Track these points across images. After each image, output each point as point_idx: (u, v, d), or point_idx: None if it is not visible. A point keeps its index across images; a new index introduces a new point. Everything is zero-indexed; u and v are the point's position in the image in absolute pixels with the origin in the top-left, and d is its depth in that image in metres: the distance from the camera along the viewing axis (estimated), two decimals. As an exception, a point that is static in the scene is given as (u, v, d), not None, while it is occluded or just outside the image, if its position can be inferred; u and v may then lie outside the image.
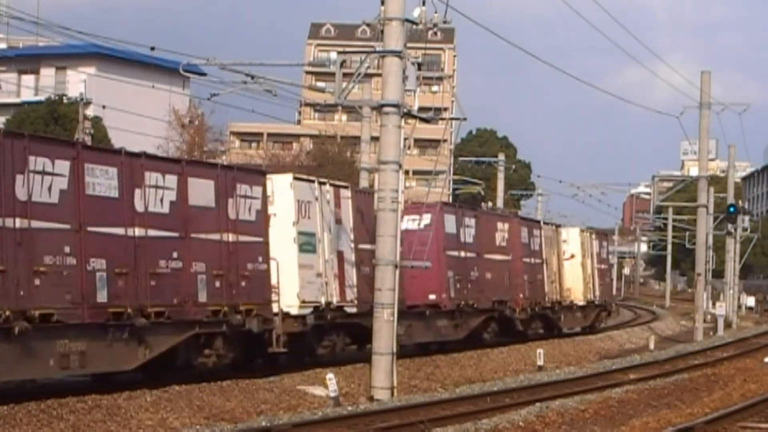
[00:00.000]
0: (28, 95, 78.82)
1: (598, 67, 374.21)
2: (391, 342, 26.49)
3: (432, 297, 36.18)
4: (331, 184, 31.56)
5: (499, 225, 42.40)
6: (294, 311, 28.64)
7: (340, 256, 31.11)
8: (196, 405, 23.14)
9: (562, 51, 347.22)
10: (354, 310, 31.32)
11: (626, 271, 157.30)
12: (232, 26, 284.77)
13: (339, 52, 28.84)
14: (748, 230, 78.96)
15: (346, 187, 32.55)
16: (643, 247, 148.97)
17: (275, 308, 27.86)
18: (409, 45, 26.64)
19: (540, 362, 35.95)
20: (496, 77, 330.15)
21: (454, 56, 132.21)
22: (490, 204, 67.60)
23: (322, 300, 29.91)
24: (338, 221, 31.14)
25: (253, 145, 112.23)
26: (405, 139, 27.57)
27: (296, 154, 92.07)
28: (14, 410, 20.46)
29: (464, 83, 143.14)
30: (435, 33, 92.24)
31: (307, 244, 29.41)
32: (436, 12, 27.73)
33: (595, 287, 53.07)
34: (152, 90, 57.21)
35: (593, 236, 54.32)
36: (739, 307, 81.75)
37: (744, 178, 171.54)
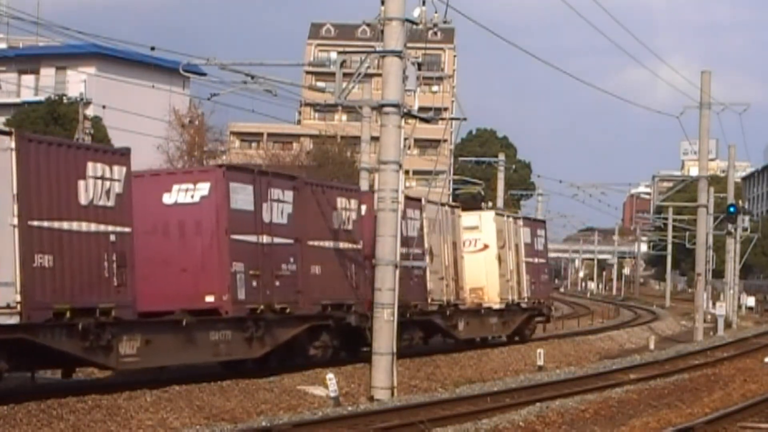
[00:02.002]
0: (28, 95, 78.79)
1: (599, 68, 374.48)
2: (391, 342, 26.51)
3: (209, 299, 26.71)
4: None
5: (342, 202, 31.62)
6: None
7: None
8: (196, 405, 23.15)
9: (563, 51, 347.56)
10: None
11: (626, 271, 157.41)
12: (232, 26, 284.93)
13: (339, 52, 28.86)
14: (748, 230, 78.92)
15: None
16: (643, 247, 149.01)
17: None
18: (409, 45, 26.66)
19: (540, 362, 35.95)
20: (496, 77, 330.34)
21: (454, 56, 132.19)
22: (490, 204, 67.44)
23: None
24: None
25: (253, 145, 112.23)
26: (405, 139, 27.59)
27: (296, 154, 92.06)
28: (14, 410, 20.47)
29: (464, 83, 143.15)
30: (435, 33, 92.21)
31: None
32: (436, 12, 27.73)
33: (521, 286, 43.35)
34: (152, 90, 57.26)
35: (519, 223, 44.51)
36: (739, 307, 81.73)
37: (744, 178, 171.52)
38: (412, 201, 35.38)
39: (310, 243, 29.90)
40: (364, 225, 32.07)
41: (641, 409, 24.02)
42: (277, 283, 28.30)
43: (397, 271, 27.19)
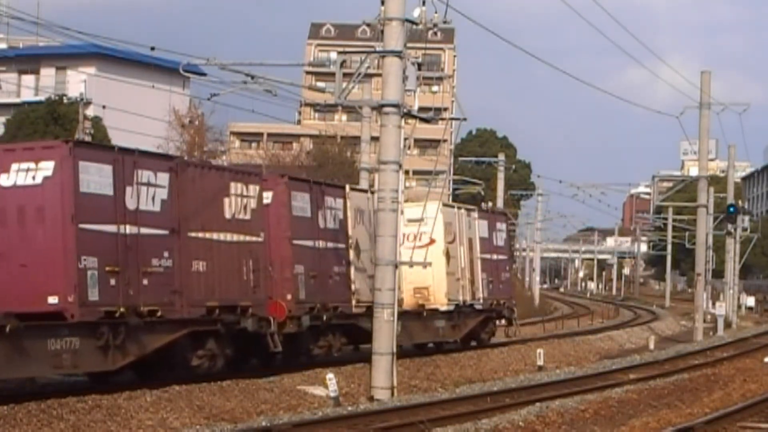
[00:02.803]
0: (28, 95, 78.75)
1: (600, 68, 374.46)
2: (391, 342, 26.51)
3: (52, 301, 22.70)
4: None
5: (237, 187, 27.37)
6: None
7: None
8: (196, 405, 23.15)
9: (563, 51, 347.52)
10: None
11: (626, 271, 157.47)
12: (232, 26, 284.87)
13: (339, 52, 28.85)
14: (748, 230, 78.93)
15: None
16: (643, 247, 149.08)
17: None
18: (409, 45, 26.66)
19: (540, 362, 35.94)
20: (496, 77, 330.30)
21: (454, 56, 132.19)
22: (490, 204, 67.40)
23: None
24: None
25: (253, 145, 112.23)
26: (405, 139, 27.60)
27: (296, 154, 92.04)
28: (14, 410, 20.47)
29: (464, 83, 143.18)
30: (435, 33, 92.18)
31: None
32: (436, 12, 27.74)
33: (475, 286, 39.24)
34: (152, 90, 57.23)
35: (473, 215, 40.18)
36: (739, 307, 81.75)
37: (744, 178, 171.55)
38: (332, 188, 32.18)
39: (192, 235, 25.56)
40: (270, 214, 28.50)
41: (641, 409, 24.01)
42: (145, 282, 24.13)
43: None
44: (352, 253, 31.96)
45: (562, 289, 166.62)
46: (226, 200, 26.83)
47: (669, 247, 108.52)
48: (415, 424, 20.58)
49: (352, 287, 31.85)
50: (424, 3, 27.53)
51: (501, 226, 42.51)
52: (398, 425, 20.82)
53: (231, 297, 26.80)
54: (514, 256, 47.61)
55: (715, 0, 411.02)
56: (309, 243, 30.20)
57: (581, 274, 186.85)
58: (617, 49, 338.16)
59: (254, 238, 27.66)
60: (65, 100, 69.09)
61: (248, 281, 27.37)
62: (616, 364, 35.39)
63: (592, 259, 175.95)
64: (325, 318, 30.33)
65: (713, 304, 64.68)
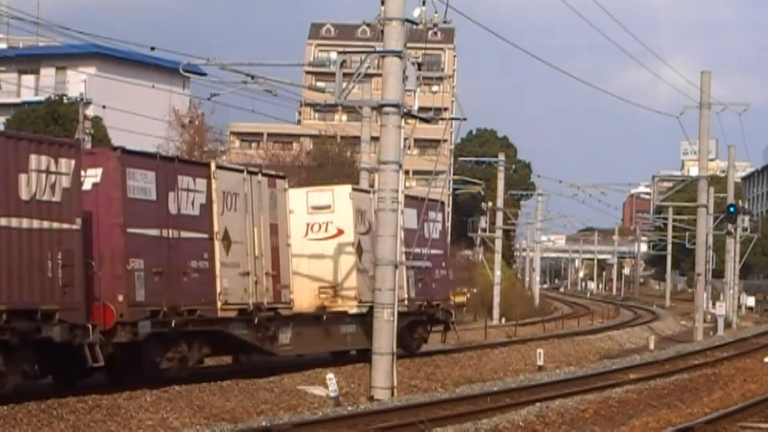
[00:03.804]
0: (28, 95, 78.73)
1: (601, 68, 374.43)
2: (392, 342, 26.48)
3: None
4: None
5: (41, 162, 21.99)
6: None
7: None
8: (196, 405, 23.15)
9: (563, 51, 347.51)
10: None
11: (626, 271, 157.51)
12: (232, 26, 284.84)
13: (339, 52, 28.85)
14: (748, 230, 79.02)
15: None
16: (643, 247, 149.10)
17: None
18: (409, 45, 26.66)
19: (540, 362, 35.93)
20: (496, 77, 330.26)
21: (454, 56, 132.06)
22: (489, 204, 67.36)
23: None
24: None
25: (253, 145, 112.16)
26: (405, 139, 27.58)
27: (296, 154, 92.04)
28: (14, 410, 20.48)
29: (464, 83, 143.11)
30: (435, 33, 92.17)
31: None
32: (436, 12, 27.72)
33: (400, 285, 31.04)
34: (152, 90, 57.23)
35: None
36: (739, 307, 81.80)
37: (744, 178, 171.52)
38: (191, 166, 27.05)
39: None
40: (98, 196, 23.64)
41: (641, 409, 24.01)
42: None
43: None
44: (218, 246, 26.46)
45: (562, 289, 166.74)
46: (23, 177, 21.51)
47: (669, 247, 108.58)
48: (415, 424, 20.57)
49: (218, 286, 26.38)
50: (424, 3, 27.53)
51: (436, 216, 36.57)
52: (398, 425, 20.82)
53: (27, 299, 21.54)
54: (448, 251, 41.15)
55: (715, 0, 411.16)
56: (153, 232, 24.71)
57: (581, 274, 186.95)
58: (617, 49, 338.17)
59: (65, 225, 22.27)
60: (65, 100, 69.10)
61: (55, 279, 21.98)
62: (616, 364, 35.38)
63: (592, 259, 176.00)
64: (174, 323, 24.82)
65: (713, 304, 64.70)
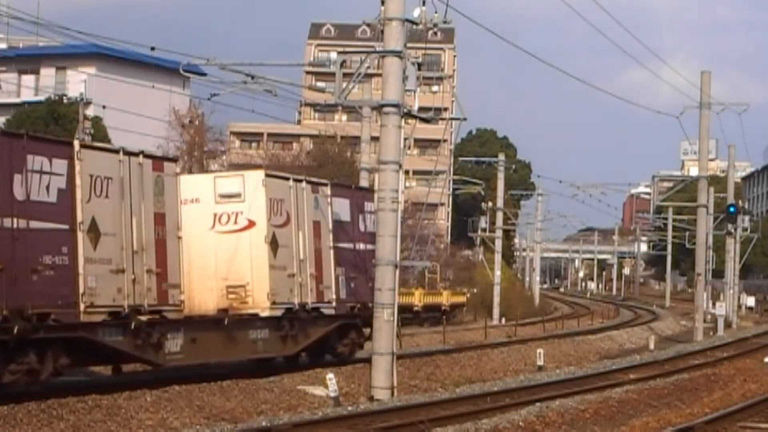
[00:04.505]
0: (28, 95, 78.75)
1: (601, 68, 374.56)
2: (391, 342, 26.49)
3: None
4: None
5: None
6: None
7: None
8: (196, 405, 23.15)
9: (563, 51, 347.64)
10: None
11: (626, 271, 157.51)
12: (232, 26, 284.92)
13: (339, 52, 28.85)
14: (748, 230, 79.08)
15: None
16: (643, 247, 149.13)
17: None
18: (409, 45, 26.66)
19: (540, 362, 35.92)
20: (496, 77, 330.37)
21: (454, 56, 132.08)
22: (489, 204, 67.36)
23: None
24: None
25: (253, 145, 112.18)
26: (405, 139, 27.57)
27: (296, 154, 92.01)
28: (14, 410, 20.48)
29: (464, 83, 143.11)
30: (435, 33, 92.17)
31: None
32: (436, 12, 27.75)
33: (326, 284, 30.54)
34: (152, 90, 57.30)
35: (324, 191, 31.04)
36: (739, 307, 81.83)
37: (744, 178, 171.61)
38: (46, 144, 22.69)
39: None
40: None
41: (641, 409, 24.02)
42: None
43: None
44: (83, 238, 22.65)
45: (562, 289, 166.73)
46: None
47: (669, 247, 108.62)
48: (415, 424, 20.57)
49: (82, 286, 22.55)
50: (424, 3, 27.56)
51: (371, 206, 32.25)
52: (398, 425, 20.81)
53: None
54: None
55: (715, 0, 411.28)
56: None
57: (581, 274, 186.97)
58: (618, 49, 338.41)
59: None
60: (65, 100, 69.13)
61: None
62: (616, 364, 35.39)
63: (592, 259, 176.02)
64: (17, 330, 21.04)
65: (713, 304, 64.70)
